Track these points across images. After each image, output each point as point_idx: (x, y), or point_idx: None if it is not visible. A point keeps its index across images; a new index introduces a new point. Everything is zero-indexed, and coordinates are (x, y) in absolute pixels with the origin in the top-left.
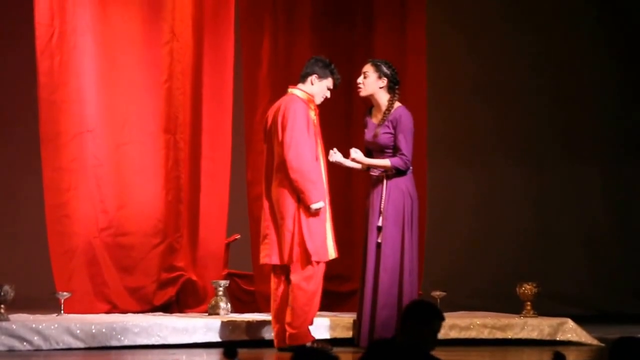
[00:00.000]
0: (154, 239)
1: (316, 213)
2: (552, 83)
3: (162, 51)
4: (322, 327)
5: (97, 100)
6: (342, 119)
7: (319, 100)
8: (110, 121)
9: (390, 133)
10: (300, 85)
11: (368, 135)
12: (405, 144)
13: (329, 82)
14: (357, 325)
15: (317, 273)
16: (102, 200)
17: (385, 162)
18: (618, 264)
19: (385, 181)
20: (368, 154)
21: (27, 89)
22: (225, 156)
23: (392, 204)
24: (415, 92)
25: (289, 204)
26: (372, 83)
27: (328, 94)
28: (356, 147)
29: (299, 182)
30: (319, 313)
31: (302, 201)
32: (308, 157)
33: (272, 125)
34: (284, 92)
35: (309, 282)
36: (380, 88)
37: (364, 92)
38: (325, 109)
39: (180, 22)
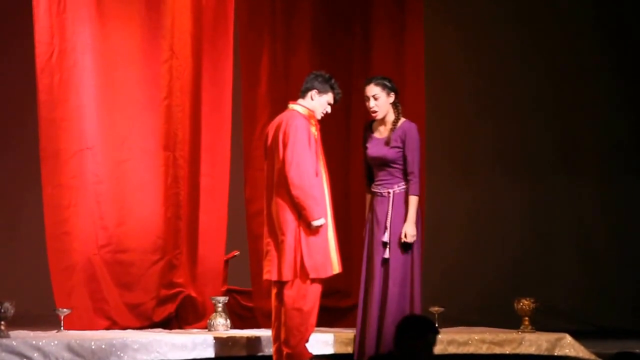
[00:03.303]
0: (153, 255)
1: (316, 230)
2: (550, 97)
3: (161, 69)
4: (321, 343)
5: (97, 117)
6: (342, 134)
7: (319, 115)
8: (110, 138)
9: (399, 147)
10: (300, 101)
11: (373, 150)
12: (415, 162)
13: (329, 97)
14: (358, 340)
15: (312, 291)
16: (102, 217)
17: (414, 201)
18: (615, 279)
19: (391, 197)
20: (370, 169)
21: (27, 107)
22: (224, 173)
23: (399, 220)
24: (414, 105)
25: (290, 220)
26: (384, 103)
27: (329, 109)
28: (355, 162)
29: (300, 198)
30: (318, 328)
31: (303, 218)
32: (310, 173)
33: (273, 142)
34: (283, 108)
35: (304, 301)
36: (391, 104)
37: (380, 115)
38: (324, 123)
39: (179, 39)
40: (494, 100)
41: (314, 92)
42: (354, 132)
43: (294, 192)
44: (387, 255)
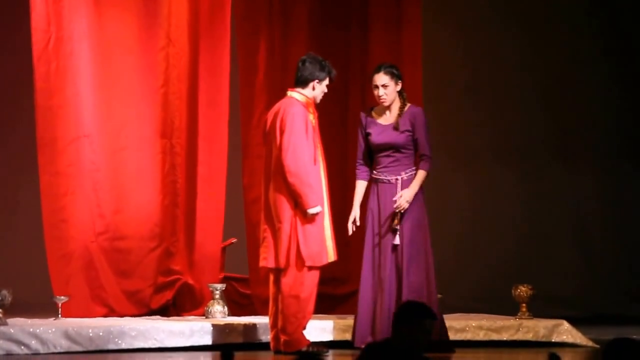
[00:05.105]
0: (150, 242)
1: (312, 218)
2: (546, 86)
3: (158, 56)
4: (318, 330)
5: (94, 105)
6: (340, 123)
7: (319, 99)
8: (107, 126)
9: (409, 131)
10: (300, 89)
11: (380, 137)
12: (426, 144)
13: (327, 81)
14: (366, 327)
15: (309, 279)
16: (99, 204)
17: (422, 174)
18: (612, 265)
19: (399, 184)
20: (368, 156)
21: (24, 95)
22: (221, 160)
23: (409, 206)
24: (411, 96)
25: (286, 208)
26: (393, 91)
27: (326, 90)
28: (353, 151)
29: (296, 186)
30: (315, 315)
31: (299, 205)
32: (306, 161)
33: (271, 129)
34: (280, 96)
35: (301, 288)
36: (397, 92)
37: (388, 102)
38: (322, 112)
39: (176, 27)
40: (491, 90)
41: (315, 83)
42: (352, 120)
43: (290, 179)
44: (397, 241)
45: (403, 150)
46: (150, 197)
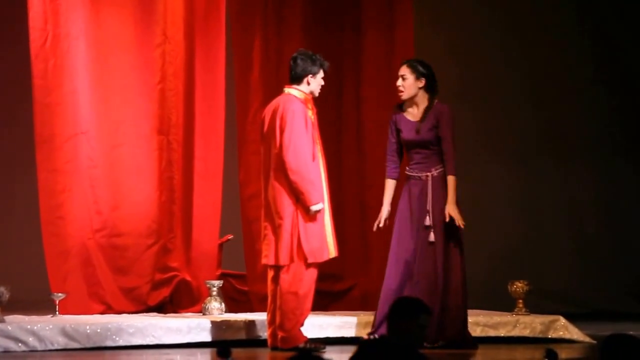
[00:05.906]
0: (147, 239)
1: (314, 215)
2: (538, 84)
3: (154, 53)
4: (315, 327)
5: (91, 102)
6: (333, 122)
7: (318, 92)
8: (104, 123)
9: (434, 127)
10: (296, 86)
11: (409, 134)
12: (448, 142)
13: (321, 74)
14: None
15: (308, 275)
16: (97, 201)
17: (452, 181)
18: (608, 261)
19: (430, 181)
20: (399, 152)
21: (22, 92)
22: (217, 157)
23: (440, 203)
24: None
25: (287, 205)
26: (411, 85)
27: (322, 83)
28: (347, 148)
29: (298, 183)
30: (312, 312)
31: (301, 202)
32: (307, 158)
33: (270, 126)
34: (275, 93)
35: (300, 284)
36: (420, 88)
37: (405, 95)
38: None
39: (172, 24)
40: (482, 88)
41: (309, 78)
42: (346, 119)
43: (292, 176)
44: (432, 239)
45: (431, 147)
46: (147, 194)
